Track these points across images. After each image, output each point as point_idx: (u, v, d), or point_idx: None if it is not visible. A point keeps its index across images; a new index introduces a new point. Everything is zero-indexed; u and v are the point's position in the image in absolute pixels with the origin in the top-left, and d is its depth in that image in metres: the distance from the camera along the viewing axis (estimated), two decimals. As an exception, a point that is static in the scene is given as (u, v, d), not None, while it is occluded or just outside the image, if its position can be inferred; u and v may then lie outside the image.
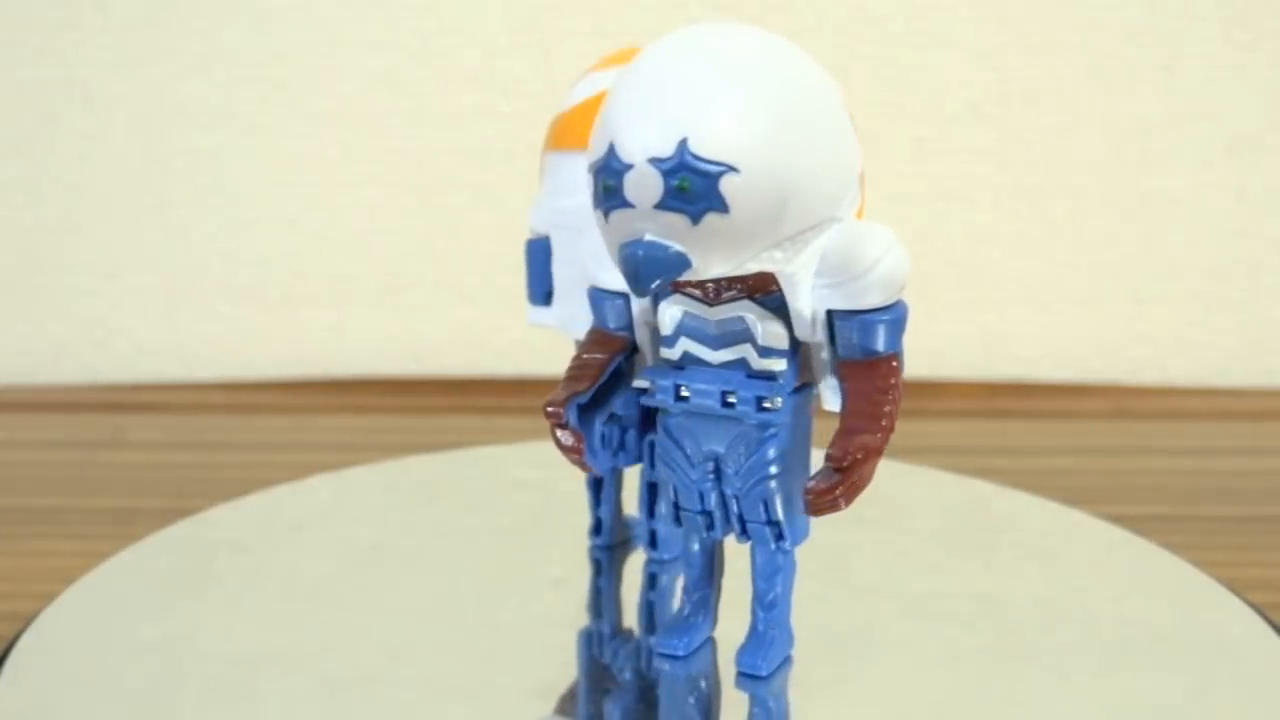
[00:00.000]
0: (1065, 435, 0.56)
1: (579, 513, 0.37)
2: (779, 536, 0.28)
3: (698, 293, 0.27)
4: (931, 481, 0.42)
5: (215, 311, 0.63)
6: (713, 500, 0.28)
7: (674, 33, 0.26)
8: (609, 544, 0.36)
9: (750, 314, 0.27)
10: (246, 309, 0.63)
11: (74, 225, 0.62)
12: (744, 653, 0.29)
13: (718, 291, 0.26)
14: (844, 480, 0.26)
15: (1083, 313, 0.62)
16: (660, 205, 0.24)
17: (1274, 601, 0.34)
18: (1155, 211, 0.61)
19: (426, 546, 0.37)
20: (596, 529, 0.36)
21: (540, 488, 0.41)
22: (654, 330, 0.28)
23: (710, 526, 0.29)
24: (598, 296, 0.28)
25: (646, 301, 0.28)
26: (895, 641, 0.31)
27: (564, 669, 0.30)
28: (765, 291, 0.26)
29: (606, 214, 0.25)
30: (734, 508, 0.28)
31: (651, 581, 0.34)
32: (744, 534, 0.29)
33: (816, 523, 0.35)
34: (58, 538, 0.43)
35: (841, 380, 0.26)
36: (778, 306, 0.26)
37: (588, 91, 0.32)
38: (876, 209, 0.66)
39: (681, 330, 0.27)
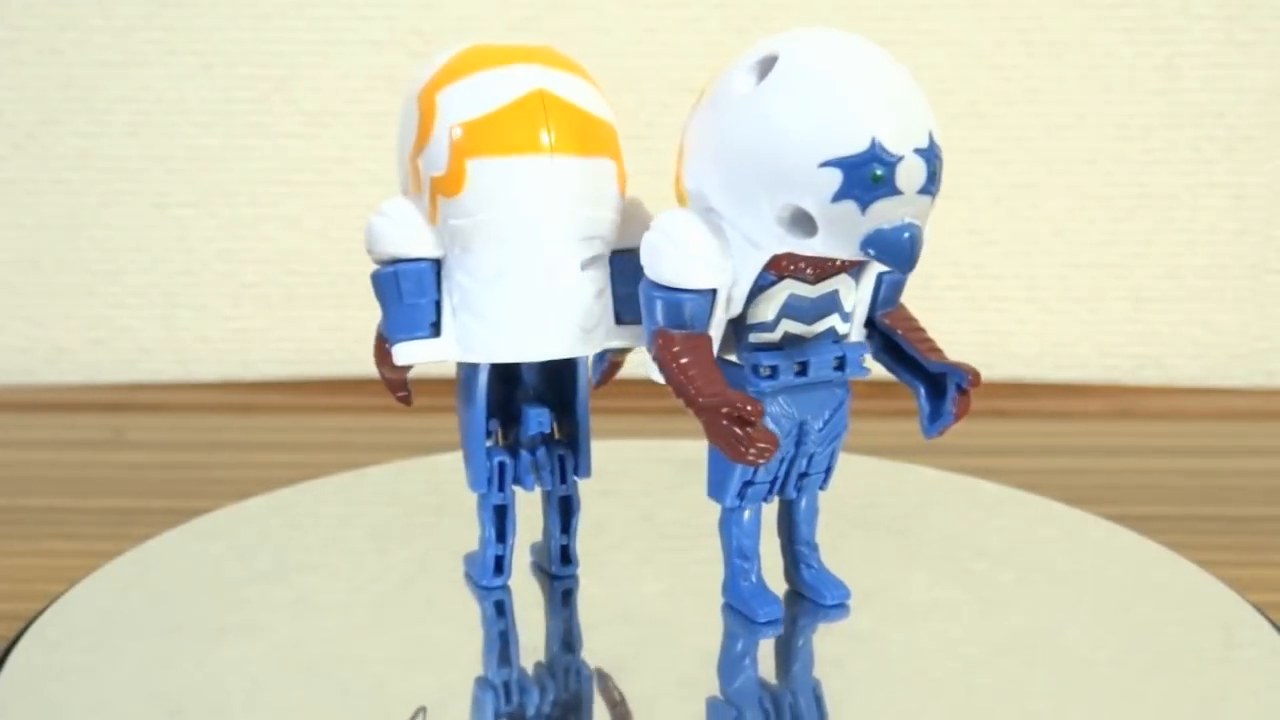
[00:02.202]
0: (1065, 435, 0.56)
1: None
2: (824, 482, 0.32)
3: (806, 273, 0.29)
4: (931, 481, 0.42)
5: (215, 311, 0.63)
6: (784, 467, 0.31)
7: (825, 34, 0.29)
8: (506, 583, 0.33)
9: (842, 285, 0.29)
10: (246, 309, 0.63)
11: (74, 225, 0.62)
12: (826, 589, 0.32)
13: (823, 268, 0.29)
14: (971, 397, 0.30)
15: (1083, 313, 0.62)
16: (921, 190, 0.27)
17: (1275, 601, 0.34)
18: (1155, 211, 0.61)
19: (427, 550, 0.37)
20: (498, 567, 0.33)
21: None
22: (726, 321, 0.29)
23: (768, 494, 0.31)
24: (684, 298, 0.28)
25: (743, 291, 0.28)
26: (895, 644, 0.31)
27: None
28: (855, 264, 0.29)
29: (868, 203, 0.26)
30: (800, 466, 0.31)
31: (565, 599, 0.33)
32: (795, 489, 0.31)
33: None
34: (58, 538, 0.43)
35: (890, 329, 0.30)
36: (854, 275, 0.30)
37: (510, 94, 0.29)
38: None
39: (783, 312, 0.29)
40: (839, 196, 0.26)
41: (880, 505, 0.40)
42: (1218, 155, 0.60)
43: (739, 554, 0.31)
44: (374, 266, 0.31)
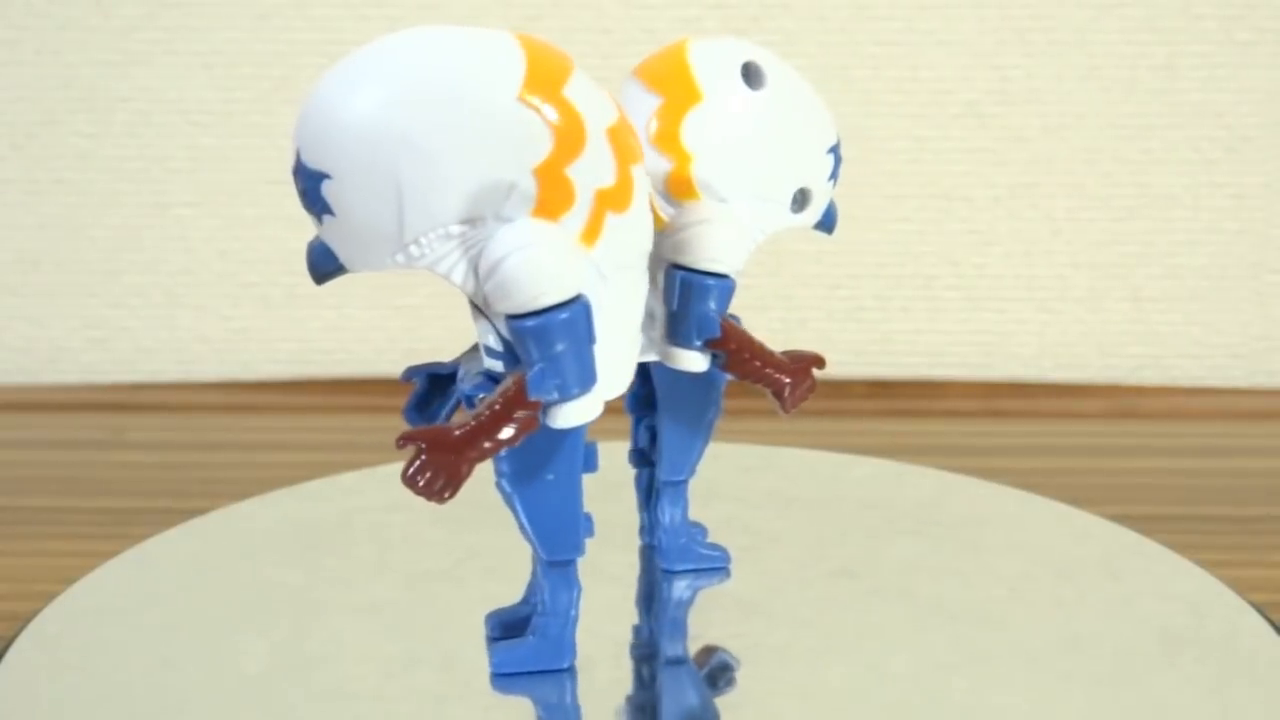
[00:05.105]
0: (1065, 435, 0.56)
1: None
2: None
3: None
4: (931, 481, 0.42)
5: (215, 311, 0.63)
6: None
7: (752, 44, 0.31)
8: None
9: None
10: (246, 309, 0.63)
11: (74, 225, 0.62)
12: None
13: None
14: None
15: (1083, 313, 0.62)
16: None
17: (1275, 601, 0.34)
18: (1155, 211, 0.61)
19: (428, 551, 0.37)
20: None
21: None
22: None
23: None
24: (731, 286, 0.30)
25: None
26: (899, 643, 0.31)
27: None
28: None
29: (835, 180, 0.32)
30: None
31: None
32: None
33: (818, 524, 0.36)
34: (58, 538, 0.43)
35: None
36: None
37: (607, 96, 0.28)
38: (877, 208, 0.67)
39: None
40: (830, 176, 0.31)
41: (880, 505, 0.40)
42: (1218, 155, 0.60)
43: (688, 520, 0.34)
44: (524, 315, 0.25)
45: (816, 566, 0.35)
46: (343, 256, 0.26)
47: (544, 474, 0.28)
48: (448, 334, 0.62)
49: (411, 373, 0.31)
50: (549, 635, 0.29)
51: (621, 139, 0.26)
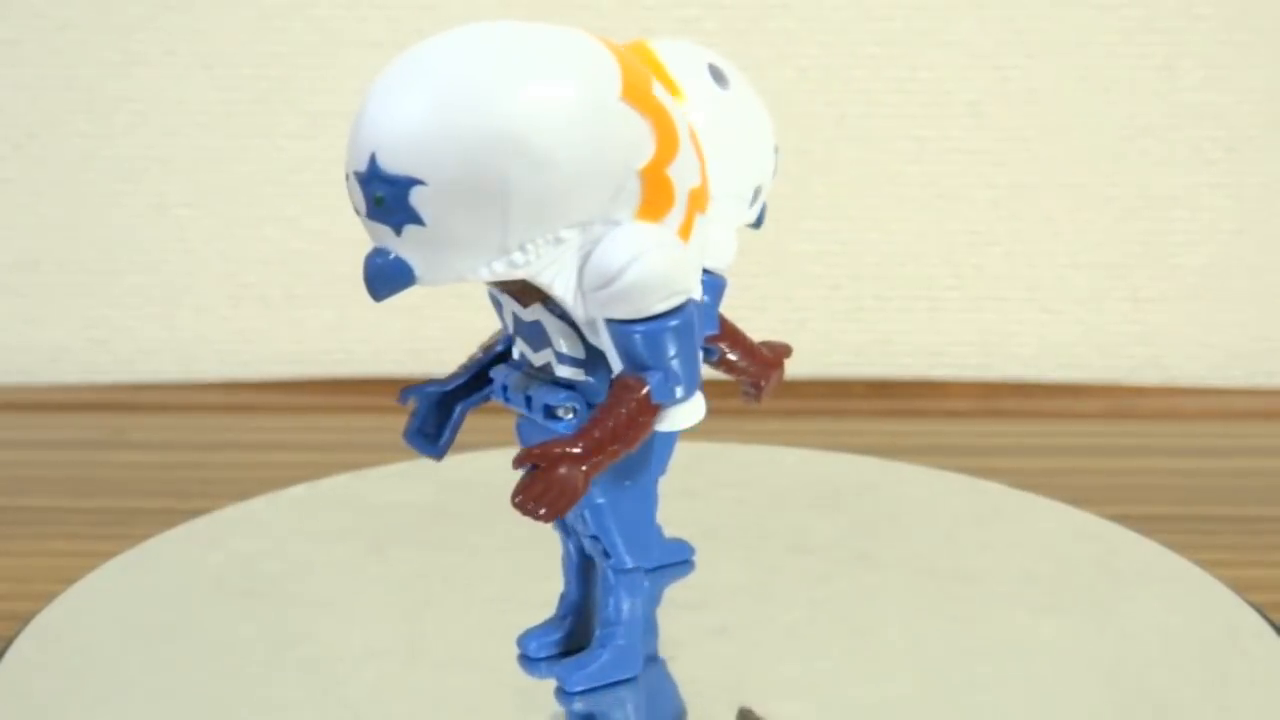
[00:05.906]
0: (1065, 435, 0.56)
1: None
2: None
3: None
4: (931, 481, 0.42)
5: (215, 311, 0.63)
6: None
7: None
8: None
9: None
10: (246, 309, 0.63)
11: (74, 225, 0.62)
12: None
13: None
14: None
15: (1083, 313, 0.62)
16: None
17: (1274, 601, 0.34)
18: (1155, 211, 0.61)
19: (428, 550, 0.37)
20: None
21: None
22: None
23: None
24: (724, 283, 0.30)
25: None
26: (895, 642, 0.31)
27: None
28: None
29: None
30: None
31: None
32: None
33: (815, 524, 0.35)
34: (58, 538, 0.43)
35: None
36: None
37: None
38: (877, 209, 0.67)
39: None
40: (774, 174, 0.31)
41: (880, 505, 0.40)
42: (1218, 155, 0.60)
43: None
44: (646, 317, 0.25)
45: (813, 565, 0.35)
46: (423, 268, 0.25)
47: (626, 480, 0.27)
48: (448, 334, 0.62)
49: (410, 393, 0.30)
50: (620, 646, 0.28)
51: (697, 140, 0.26)
